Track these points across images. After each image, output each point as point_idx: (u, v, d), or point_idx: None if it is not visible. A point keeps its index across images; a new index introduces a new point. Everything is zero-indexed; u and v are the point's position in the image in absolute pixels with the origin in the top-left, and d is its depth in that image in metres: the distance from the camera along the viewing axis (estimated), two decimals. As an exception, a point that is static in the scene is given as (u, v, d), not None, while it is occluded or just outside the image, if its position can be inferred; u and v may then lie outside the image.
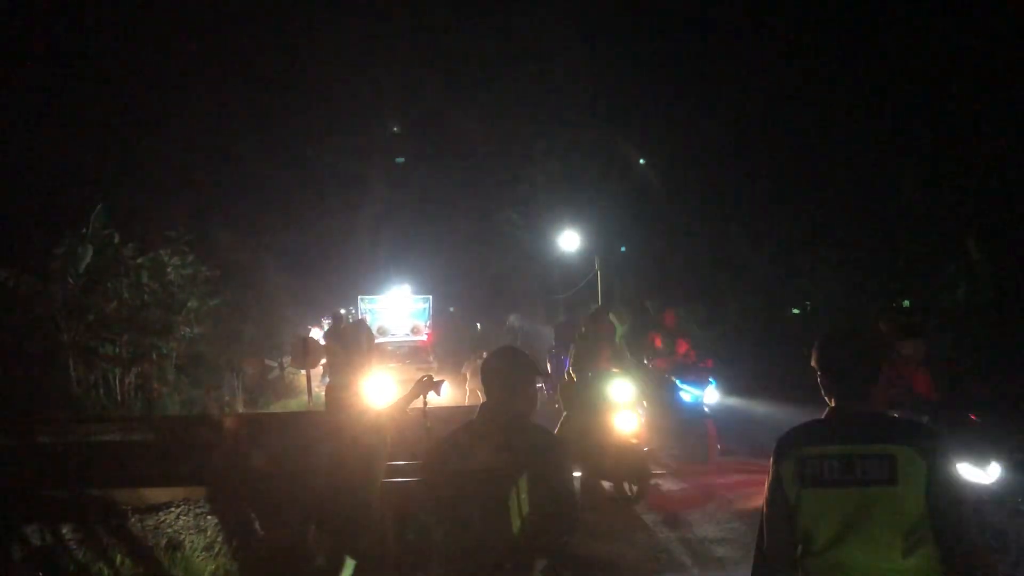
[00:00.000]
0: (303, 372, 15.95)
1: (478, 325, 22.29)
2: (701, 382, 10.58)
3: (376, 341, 19.97)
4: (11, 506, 6.34)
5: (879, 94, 20.43)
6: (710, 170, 23.97)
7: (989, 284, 18.85)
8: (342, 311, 29.40)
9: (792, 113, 21.96)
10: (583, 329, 8.90)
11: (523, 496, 2.73)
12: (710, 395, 10.62)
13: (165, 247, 17.41)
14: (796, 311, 23.52)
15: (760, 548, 2.51)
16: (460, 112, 28.34)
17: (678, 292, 21.86)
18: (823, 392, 2.50)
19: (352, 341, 5.36)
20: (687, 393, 10.49)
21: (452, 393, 17.70)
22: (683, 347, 11.28)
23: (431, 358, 21.92)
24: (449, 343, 26.00)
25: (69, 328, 15.09)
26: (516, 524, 2.72)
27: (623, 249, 26.12)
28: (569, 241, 25.12)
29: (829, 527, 2.30)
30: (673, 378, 10.62)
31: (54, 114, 19.77)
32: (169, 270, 17.37)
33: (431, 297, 26.05)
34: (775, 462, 2.45)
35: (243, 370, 18.66)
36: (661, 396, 10.12)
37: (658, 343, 11.61)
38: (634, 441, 7.69)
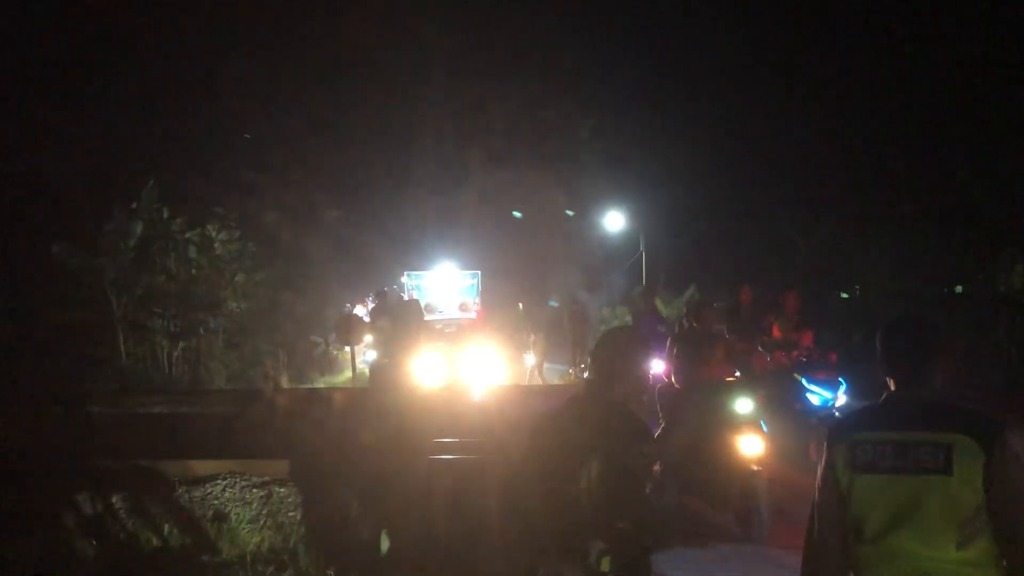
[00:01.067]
0: (347, 349, 16.06)
1: (520, 305, 22.03)
2: (832, 382, 8.74)
3: (426, 318, 19.99)
4: (64, 475, 6.45)
5: (934, 77, 19.93)
6: (761, 151, 23.63)
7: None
8: (386, 288, 29.50)
9: (846, 94, 21.54)
10: (684, 324, 7.87)
11: (593, 475, 2.69)
12: (841, 398, 8.69)
13: (213, 222, 17.62)
14: (845, 295, 23.12)
15: (811, 536, 2.45)
16: (508, 88, 28.11)
17: (724, 275, 21.57)
18: (883, 377, 2.44)
19: (401, 319, 5.33)
20: (815, 396, 8.75)
21: (511, 371, 17.66)
22: (808, 338, 9.31)
23: (482, 336, 21.71)
24: (499, 321, 25.74)
25: (119, 302, 15.36)
26: (581, 502, 2.68)
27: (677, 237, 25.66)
28: (614, 221, 24.96)
29: (881, 515, 2.24)
30: (799, 378, 8.82)
31: (107, 90, 20.06)
32: (216, 245, 17.59)
33: (479, 273, 25.31)
34: (828, 447, 2.40)
35: (290, 344, 18.86)
36: (784, 402, 8.48)
37: (776, 332, 9.46)
38: (756, 468, 6.29)
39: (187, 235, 17.17)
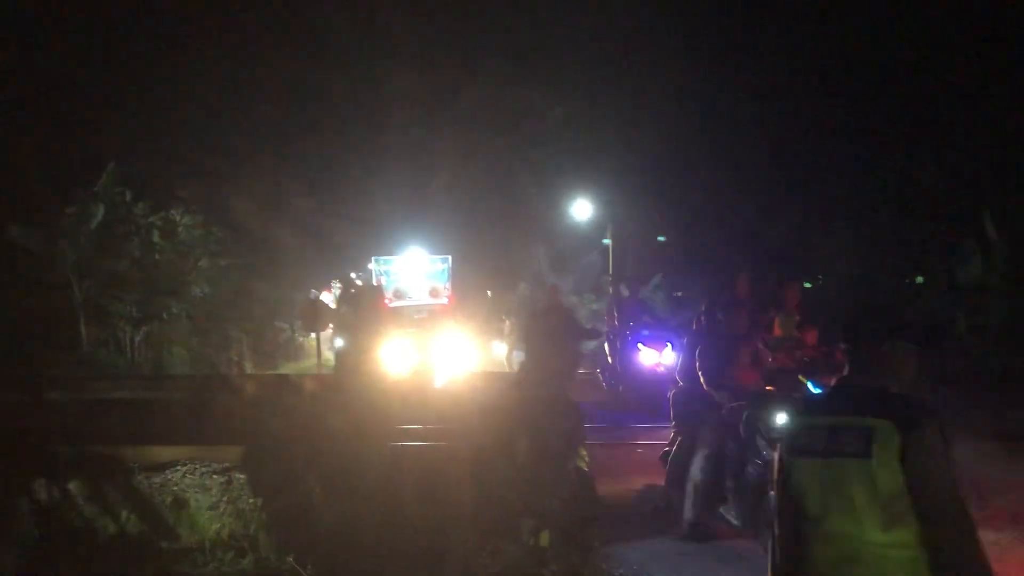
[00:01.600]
0: (313, 335, 15.99)
1: (488, 292, 21.93)
2: None
3: (393, 305, 19.85)
4: (20, 460, 6.37)
5: (895, 71, 20.18)
6: (723, 143, 23.77)
7: (1005, 261, 18.69)
8: (352, 275, 29.24)
9: (808, 89, 21.72)
10: (703, 320, 6.84)
11: (521, 455, 2.70)
12: None
13: (177, 207, 17.41)
14: (808, 285, 23.39)
15: (775, 517, 2.54)
16: (478, 73, 27.95)
17: (688, 265, 21.74)
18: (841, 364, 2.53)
19: (364, 306, 5.32)
20: None
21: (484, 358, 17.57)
22: (813, 335, 8.60)
23: (454, 322, 21.41)
24: (470, 307, 25.42)
25: (80, 286, 15.15)
26: (512, 482, 2.70)
27: (661, 239, 25.52)
28: (581, 209, 25.00)
29: (815, 497, 2.33)
30: (805, 381, 8.00)
31: (69, 71, 19.68)
32: (180, 229, 17.39)
33: (450, 258, 24.63)
34: (784, 435, 2.53)
35: (255, 330, 18.71)
36: None
37: (777, 329, 8.62)
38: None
39: (150, 219, 16.95)
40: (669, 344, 11.74)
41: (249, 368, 16.99)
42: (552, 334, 2.92)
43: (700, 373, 6.09)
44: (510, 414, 2.79)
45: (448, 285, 23.81)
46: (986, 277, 18.93)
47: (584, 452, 2.86)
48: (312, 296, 23.06)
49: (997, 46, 17.95)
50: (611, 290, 20.82)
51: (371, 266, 24.58)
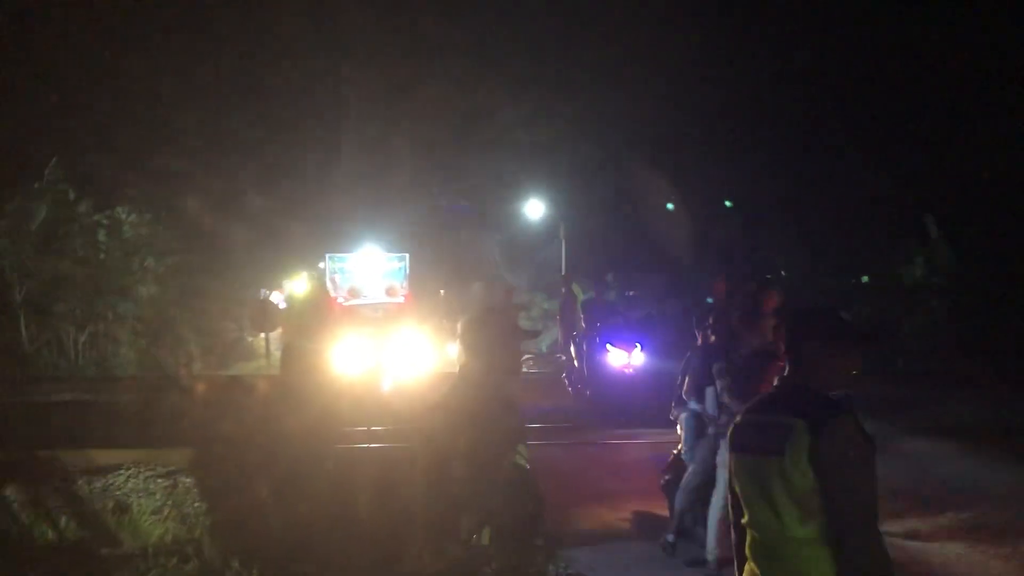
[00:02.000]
0: (262, 335, 15.76)
1: (441, 291, 21.77)
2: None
3: (347, 303, 19.37)
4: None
5: (840, 76, 20.59)
6: (675, 142, 24.00)
7: (947, 261, 19.17)
8: (303, 273, 28.86)
9: (757, 92, 22.05)
10: (706, 333, 6.24)
11: (462, 458, 2.69)
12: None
13: (123, 205, 17.07)
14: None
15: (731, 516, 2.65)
16: (434, 70, 27.81)
17: (640, 263, 21.89)
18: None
19: (310, 306, 5.26)
20: None
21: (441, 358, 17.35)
22: None
23: (410, 321, 20.30)
24: (427, 306, 25.12)
25: (21, 286, 14.78)
26: (451, 482, 2.70)
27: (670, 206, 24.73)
28: (534, 209, 25.02)
29: (747, 491, 2.44)
30: None
31: (8, 66, 19.17)
32: (126, 228, 17.04)
33: (407, 256, 23.79)
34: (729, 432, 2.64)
35: (202, 331, 18.40)
36: None
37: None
38: None
39: (95, 217, 16.59)
40: (638, 344, 11.42)
41: (197, 369, 16.70)
42: (494, 335, 2.91)
43: (727, 394, 5.55)
44: (451, 413, 2.78)
45: (405, 284, 23.14)
46: (929, 276, 19.41)
47: (524, 450, 2.85)
48: (262, 296, 22.77)
49: (940, 52, 18.39)
50: (563, 290, 20.89)
51: (322, 265, 23.98)
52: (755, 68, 21.79)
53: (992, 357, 14.69)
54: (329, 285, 21.04)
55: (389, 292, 22.19)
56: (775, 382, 2.66)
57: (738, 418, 2.55)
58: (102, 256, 16.58)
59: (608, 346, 11.72)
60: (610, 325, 12.30)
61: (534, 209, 25.10)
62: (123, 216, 17.12)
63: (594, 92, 27.75)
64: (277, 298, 20.80)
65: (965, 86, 18.17)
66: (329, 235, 26.42)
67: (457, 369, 2.96)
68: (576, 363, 12.83)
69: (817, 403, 2.36)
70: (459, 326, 3.01)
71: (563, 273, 21.51)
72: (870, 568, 2.20)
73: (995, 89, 18.70)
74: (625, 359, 11.57)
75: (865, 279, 20.71)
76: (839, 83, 20.59)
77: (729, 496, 2.61)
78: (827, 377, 2.46)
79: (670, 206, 23.58)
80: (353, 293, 21.17)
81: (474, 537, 2.69)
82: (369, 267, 23.12)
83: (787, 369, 2.54)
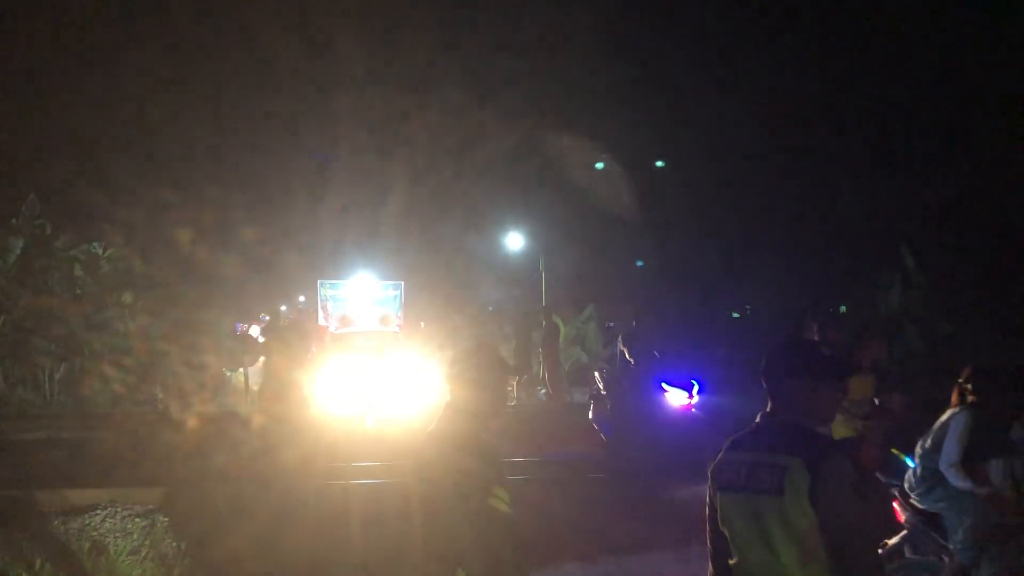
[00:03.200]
0: (241, 370, 15.60)
1: (422, 324, 21.56)
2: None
3: (338, 331, 18.86)
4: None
5: (817, 106, 20.92)
6: (651, 172, 24.22)
7: (922, 290, 19.38)
8: (282, 308, 28.65)
9: (735, 121, 22.32)
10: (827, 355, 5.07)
11: (451, 508, 2.67)
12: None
13: (100, 239, 16.95)
14: (736, 315, 23.85)
15: (710, 553, 2.58)
16: (425, 99, 27.96)
17: (616, 294, 21.95)
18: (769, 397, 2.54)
19: (289, 340, 5.23)
20: None
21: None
22: (898, 400, 6.74)
23: (405, 351, 20.48)
24: (422, 337, 24.40)
25: (-3, 321, 14.63)
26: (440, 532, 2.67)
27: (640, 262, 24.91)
28: (515, 241, 25.08)
29: (739, 531, 2.38)
30: (899, 455, 5.93)
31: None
32: (103, 263, 16.91)
33: (402, 284, 23.18)
34: (712, 464, 2.54)
35: (181, 367, 18.14)
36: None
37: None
38: None
39: (72, 252, 16.47)
40: (695, 383, 10.15)
41: (174, 407, 16.49)
42: (478, 372, 2.89)
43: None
44: (429, 457, 2.76)
45: (400, 313, 22.68)
46: (905, 305, 19.59)
47: (504, 494, 2.82)
48: (241, 329, 22.52)
49: (915, 83, 18.76)
50: (543, 323, 20.88)
51: (302, 298, 23.57)
52: (733, 102, 22.11)
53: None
54: (320, 313, 20.83)
55: (383, 321, 21.59)
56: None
57: (720, 455, 2.49)
58: (78, 291, 16.42)
59: (664, 386, 10.12)
60: (662, 361, 10.58)
61: (515, 241, 25.15)
62: (100, 251, 16.98)
63: (567, 123, 28.01)
64: (255, 332, 20.59)
65: (939, 115, 18.46)
66: (321, 263, 26.08)
67: (444, 404, 2.93)
68: (610, 404, 10.53)
69: (811, 441, 2.34)
70: (445, 361, 2.98)
71: (543, 305, 21.51)
72: None
73: (969, 119, 19.04)
74: (684, 399, 10.16)
75: (843, 309, 20.86)
76: (814, 114, 20.92)
77: (710, 536, 2.54)
78: (813, 412, 2.45)
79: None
80: (345, 321, 20.67)
81: None
82: (362, 295, 22.59)
83: (769, 406, 2.50)
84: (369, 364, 17.17)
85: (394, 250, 27.55)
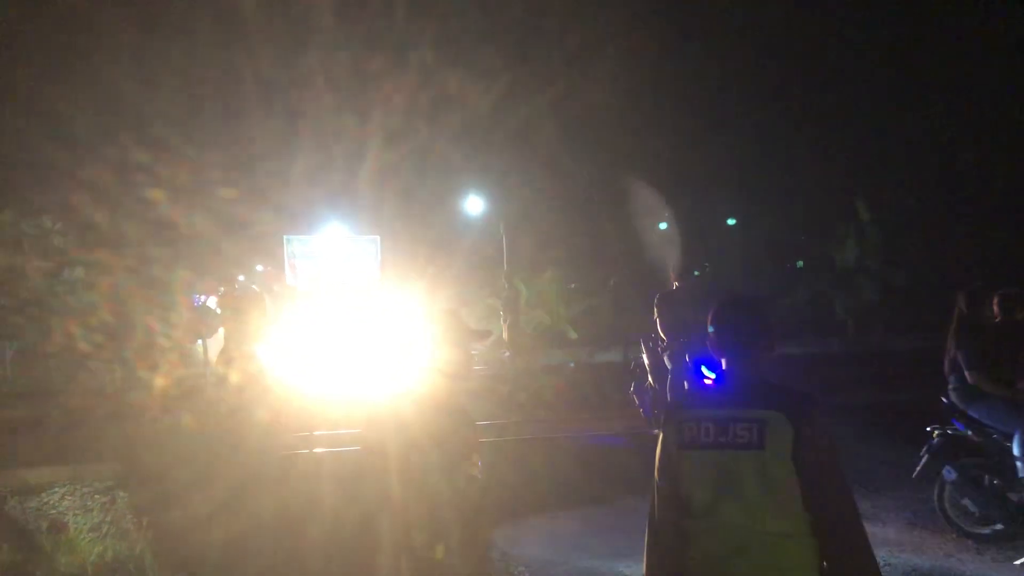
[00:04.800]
0: (200, 342, 15.37)
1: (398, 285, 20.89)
2: None
3: (308, 291, 18.01)
4: None
5: (774, 64, 20.96)
6: (615, 136, 24.17)
7: (877, 243, 19.66)
8: (258, 267, 28.05)
9: (693, 80, 22.31)
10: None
11: (416, 471, 2.64)
12: None
13: (47, 213, 16.53)
14: (696, 272, 23.95)
15: (652, 514, 2.52)
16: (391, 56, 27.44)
17: (579, 256, 21.95)
18: (716, 355, 2.54)
19: (243, 311, 5.12)
20: None
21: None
22: None
23: (386, 306, 18.04)
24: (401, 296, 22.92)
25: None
26: (404, 497, 2.64)
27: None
28: (474, 205, 24.91)
29: (706, 489, 2.35)
30: None
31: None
32: (55, 237, 16.51)
33: (379, 238, 21.13)
34: (663, 425, 2.49)
35: (138, 339, 17.82)
36: None
37: None
38: None
39: (20, 226, 16.05)
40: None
41: (133, 380, 16.24)
42: (445, 336, 2.85)
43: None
44: (403, 422, 2.72)
45: (378, 269, 20.85)
46: (861, 259, 19.89)
47: (478, 459, 2.80)
48: (200, 301, 22.10)
49: (869, 40, 18.87)
50: (507, 285, 20.85)
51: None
52: (690, 62, 22.08)
53: (921, 335, 15.12)
54: (288, 271, 19.77)
55: (358, 278, 20.34)
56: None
57: (676, 414, 2.46)
58: (26, 267, 16.03)
59: (703, 369, 7.68)
60: (698, 337, 7.43)
61: (474, 205, 24.98)
62: (49, 224, 16.57)
63: (517, 86, 27.75)
64: (212, 303, 20.25)
65: (894, 72, 18.63)
66: (295, 220, 24.95)
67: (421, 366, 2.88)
68: (652, 382, 8.55)
69: (789, 394, 2.35)
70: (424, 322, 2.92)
71: (505, 269, 21.45)
72: (866, 560, 2.25)
73: (923, 75, 19.23)
74: None
75: (800, 264, 21.13)
76: (771, 72, 20.98)
77: (664, 499, 2.46)
78: (766, 367, 2.47)
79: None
80: (315, 279, 19.64)
81: (427, 552, 2.65)
82: (335, 250, 20.87)
83: (725, 363, 2.50)
84: (343, 324, 16.65)
85: (370, 205, 26.82)
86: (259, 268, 24.17)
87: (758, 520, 2.26)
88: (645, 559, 2.50)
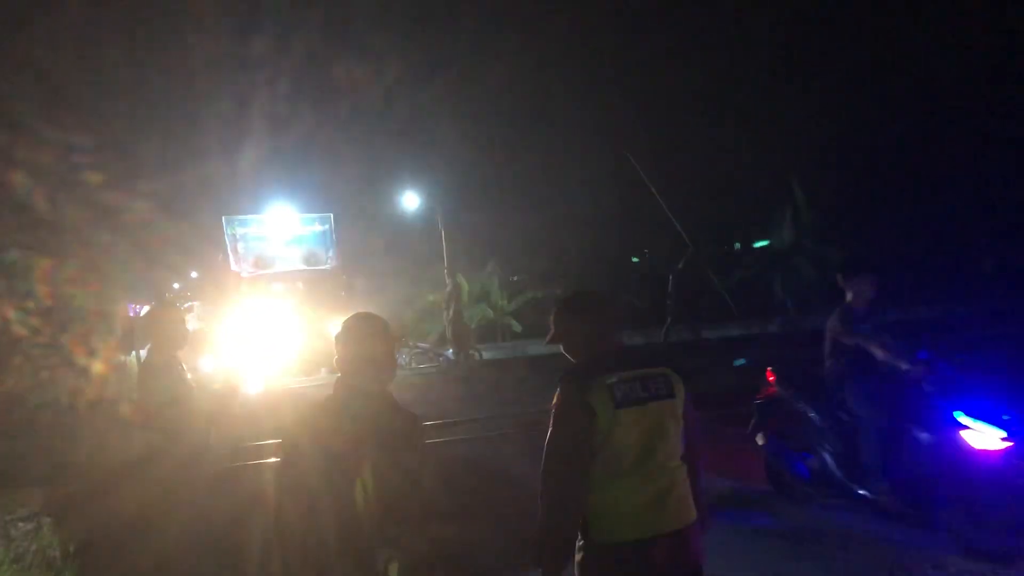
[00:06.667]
0: (133, 355, 14.96)
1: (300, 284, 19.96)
2: None
3: (253, 274, 16.99)
4: None
5: (714, 54, 21.19)
6: (552, 123, 24.20)
7: (811, 222, 19.99)
8: (175, 285, 27.51)
9: (630, 66, 22.41)
10: None
11: (370, 482, 2.52)
12: None
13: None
14: (635, 259, 24.14)
15: (554, 488, 2.58)
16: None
17: (519, 249, 21.92)
18: (585, 339, 2.79)
19: (161, 324, 4.92)
20: None
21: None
22: None
23: (343, 291, 17.40)
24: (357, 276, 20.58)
25: None
26: (360, 510, 2.51)
27: None
28: (411, 200, 24.65)
29: (641, 440, 2.59)
30: None
31: None
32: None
33: (331, 216, 19.56)
34: (579, 395, 2.56)
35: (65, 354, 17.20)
36: None
37: None
38: None
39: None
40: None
41: (62, 396, 15.65)
42: (370, 344, 2.71)
43: None
44: (354, 431, 2.58)
45: (332, 250, 19.42)
46: (797, 239, 20.21)
47: (413, 461, 2.69)
48: (134, 312, 21.49)
49: (799, 21, 19.14)
50: (448, 281, 20.69)
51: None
52: (624, 44, 22.15)
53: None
54: (230, 256, 18.70)
55: (309, 260, 19.15)
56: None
57: (602, 381, 2.59)
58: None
59: (962, 418, 4.83)
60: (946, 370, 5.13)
61: (411, 200, 24.70)
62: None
63: (466, 78, 27.63)
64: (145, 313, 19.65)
65: (823, 50, 18.93)
66: (237, 202, 23.80)
67: (338, 379, 2.74)
68: (824, 431, 5.66)
69: (662, 355, 2.90)
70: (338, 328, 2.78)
71: (445, 264, 21.28)
72: (703, 483, 2.83)
73: (856, 53, 19.57)
74: (996, 439, 4.74)
75: (737, 245, 21.38)
76: (710, 60, 21.19)
77: (578, 462, 2.55)
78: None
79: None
80: (261, 263, 18.44)
81: (383, 569, 2.54)
82: (281, 231, 19.54)
83: (607, 340, 2.78)
84: (288, 313, 15.62)
85: (321, 182, 25.92)
86: (193, 275, 23.72)
87: (673, 457, 2.67)
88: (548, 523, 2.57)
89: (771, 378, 6.14)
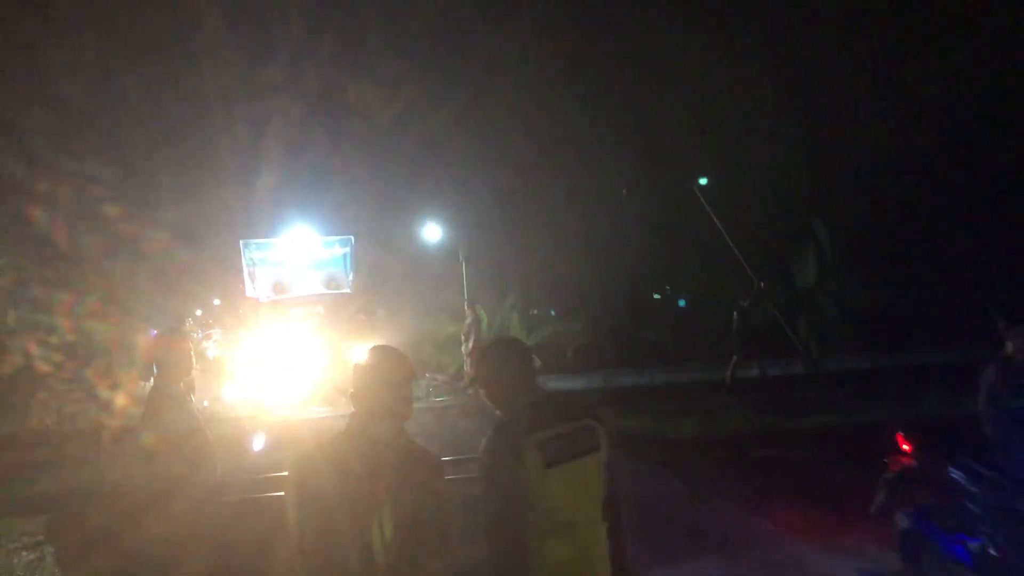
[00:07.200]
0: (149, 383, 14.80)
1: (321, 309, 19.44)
2: None
3: (272, 300, 16.78)
4: None
5: (726, 85, 21.13)
6: (569, 154, 24.17)
7: (835, 264, 19.75)
8: (198, 312, 27.59)
9: (649, 97, 22.42)
10: None
11: (387, 529, 2.40)
12: None
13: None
14: (657, 296, 23.93)
15: (505, 552, 2.45)
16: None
17: (539, 282, 21.78)
18: (509, 388, 2.69)
19: (165, 359, 4.83)
20: None
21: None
22: None
23: (362, 314, 17.14)
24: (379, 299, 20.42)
25: None
26: (378, 552, 2.41)
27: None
28: (432, 232, 24.56)
29: (570, 499, 2.52)
30: None
31: None
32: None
33: (352, 239, 18.94)
34: (510, 453, 2.46)
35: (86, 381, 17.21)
36: None
37: None
38: None
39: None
40: None
41: (86, 429, 15.50)
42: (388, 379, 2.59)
43: None
44: (361, 480, 2.46)
45: (351, 274, 18.95)
46: (820, 279, 19.95)
47: (434, 498, 2.58)
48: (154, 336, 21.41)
49: (817, 59, 19.05)
50: (468, 313, 20.55)
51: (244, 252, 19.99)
52: (644, 88, 22.18)
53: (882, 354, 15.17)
54: (248, 282, 18.39)
55: (330, 284, 18.58)
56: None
57: (532, 439, 2.48)
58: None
59: None
60: None
61: (432, 232, 24.64)
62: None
63: (486, 110, 27.75)
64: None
65: (848, 90, 18.80)
66: (254, 227, 23.75)
67: (350, 417, 2.62)
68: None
69: (584, 406, 2.77)
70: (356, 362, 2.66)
71: (465, 296, 21.12)
72: (626, 540, 2.73)
73: (878, 92, 19.42)
74: None
75: (761, 286, 21.11)
76: (726, 92, 21.11)
77: (521, 522, 2.44)
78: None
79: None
80: (280, 288, 18.00)
81: None
82: (300, 254, 19.00)
83: (531, 388, 2.68)
84: (308, 339, 15.33)
85: (341, 203, 25.74)
86: (216, 302, 23.74)
87: (595, 513, 2.60)
88: None
89: (905, 446, 4.83)
